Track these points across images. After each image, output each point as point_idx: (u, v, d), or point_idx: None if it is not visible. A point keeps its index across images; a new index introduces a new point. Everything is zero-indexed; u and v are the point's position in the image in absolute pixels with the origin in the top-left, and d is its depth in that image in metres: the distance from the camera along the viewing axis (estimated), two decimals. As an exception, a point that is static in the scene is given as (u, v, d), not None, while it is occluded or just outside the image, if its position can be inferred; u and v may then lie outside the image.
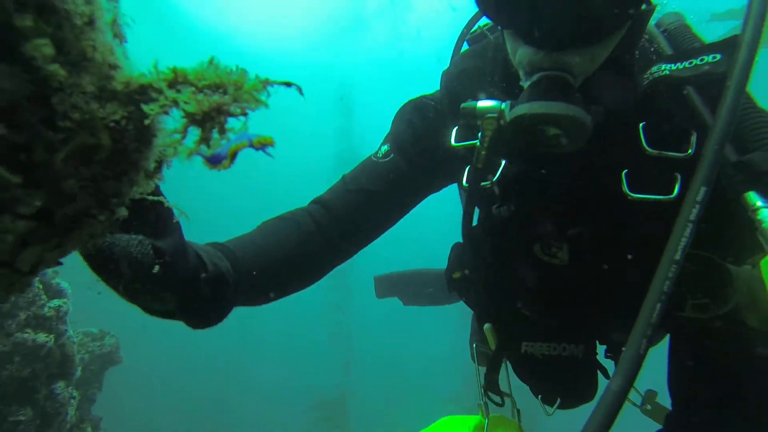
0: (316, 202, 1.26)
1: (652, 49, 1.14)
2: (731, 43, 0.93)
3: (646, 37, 1.16)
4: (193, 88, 0.47)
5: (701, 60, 0.98)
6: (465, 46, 1.44)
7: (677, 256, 0.72)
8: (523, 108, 0.94)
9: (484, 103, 1.05)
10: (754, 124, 0.95)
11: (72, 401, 3.50)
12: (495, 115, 1.03)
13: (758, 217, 0.85)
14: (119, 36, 0.53)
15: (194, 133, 0.47)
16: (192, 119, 0.45)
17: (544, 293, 1.24)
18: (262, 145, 0.46)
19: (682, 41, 1.10)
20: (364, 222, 1.26)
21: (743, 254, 1.00)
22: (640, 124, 1.02)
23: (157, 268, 0.71)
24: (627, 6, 0.94)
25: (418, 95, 1.38)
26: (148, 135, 0.49)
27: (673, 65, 1.01)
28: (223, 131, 0.46)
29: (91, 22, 0.46)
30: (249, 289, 1.03)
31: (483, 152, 1.12)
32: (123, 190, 0.51)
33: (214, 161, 0.46)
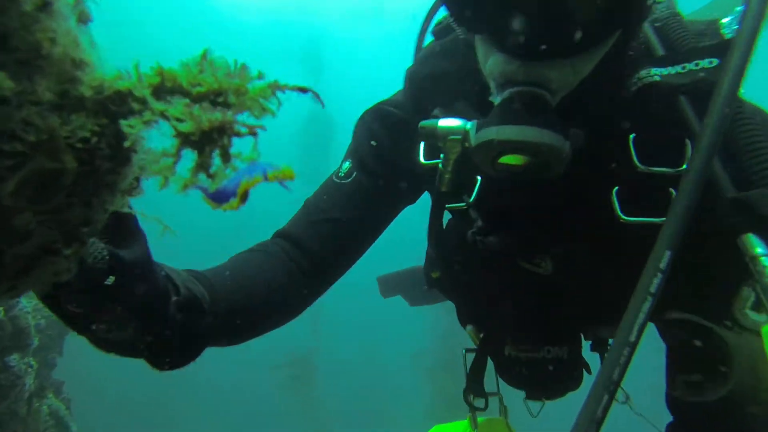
0: (282, 236, 1.12)
1: (642, 47, 1.00)
2: (729, 46, 0.83)
3: None
4: (186, 98, 0.37)
5: (696, 65, 0.87)
6: (430, 38, 1.25)
7: (662, 265, 0.66)
8: (491, 132, 0.81)
9: (446, 122, 0.91)
10: (753, 146, 0.83)
11: (30, 370, 3.36)
12: (459, 137, 0.89)
13: (758, 268, 0.75)
14: (84, 17, 0.42)
15: (189, 155, 0.37)
16: (186, 140, 0.35)
17: (525, 299, 1.16)
18: (279, 179, 0.37)
19: (675, 38, 0.96)
20: (338, 253, 1.13)
21: (736, 312, 0.89)
22: (630, 137, 0.90)
23: (111, 279, 0.58)
24: (623, 8, 0.80)
25: (378, 102, 1.21)
26: (126, 152, 0.39)
27: (664, 69, 0.89)
28: (227, 157, 0.36)
29: (45, 4, 0.34)
30: (226, 321, 0.89)
31: (447, 176, 1.00)
32: (94, 217, 0.41)
33: (218, 199, 0.37)
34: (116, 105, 0.36)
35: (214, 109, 0.36)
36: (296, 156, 14.87)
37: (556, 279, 1.10)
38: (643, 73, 0.90)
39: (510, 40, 0.79)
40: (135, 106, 0.36)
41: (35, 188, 0.35)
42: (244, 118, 0.40)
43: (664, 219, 0.80)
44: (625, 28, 0.83)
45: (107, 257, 0.55)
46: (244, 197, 0.36)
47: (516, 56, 0.80)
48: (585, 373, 1.23)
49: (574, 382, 1.20)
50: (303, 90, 0.40)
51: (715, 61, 0.85)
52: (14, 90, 0.31)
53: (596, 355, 1.30)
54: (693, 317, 0.90)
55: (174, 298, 0.73)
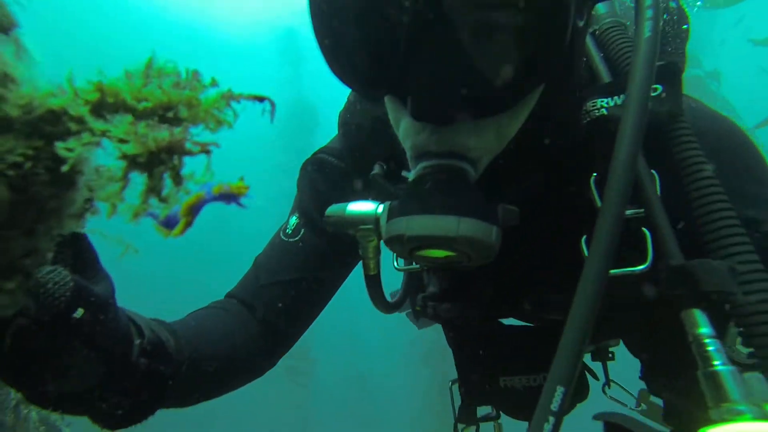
0: (235, 298, 1.07)
1: (587, 73, 0.89)
2: (672, 71, 0.77)
3: None
4: (130, 115, 0.33)
5: None
6: None
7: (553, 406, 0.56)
8: (400, 225, 0.69)
9: (355, 208, 0.80)
10: (705, 201, 0.74)
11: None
12: (370, 226, 0.79)
13: (701, 351, 0.66)
14: (6, 23, 0.38)
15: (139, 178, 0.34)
16: (133, 163, 0.32)
17: (506, 338, 1.10)
18: (233, 197, 0.34)
19: (615, 57, 0.86)
20: (291, 318, 1.08)
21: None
22: (591, 178, 0.81)
23: (80, 312, 0.53)
24: (542, 57, 0.68)
25: (318, 150, 1.14)
26: (69, 175, 0.36)
27: (610, 99, 0.80)
28: (178, 179, 0.33)
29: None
30: (189, 371, 0.83)
31: (371, 263, 0.92)
32: (38, 246, 0.38)
33: (170, 225, 0.34)
34: (50, 125, 0.33)
35: (162, 126, 0.33)
36: (279, 146, 14.73)
37: (538, 315, 1.04)
38: (590, 104, 0.81)
39: (414, 103, 0.67)
40: (72, 125, 0.32)
41: (-36, 222, 0.32)
42: (199, 131, 0.37)
43: (642, 267, 0.75)
44: (549, 79, 0.71)
45: (71, 285, 0.51)
46: (191, 216, 0.33)
47: (424, 120, 0.68)
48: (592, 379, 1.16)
49: (579, 396, 1.10)
50: (259, 99, 0.36)
51: (659, 88, 0.77)
52: None
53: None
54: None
55: (137, 341, 0.68)
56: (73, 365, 0.57)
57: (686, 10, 0.95)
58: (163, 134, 0.32)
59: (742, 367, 0.69)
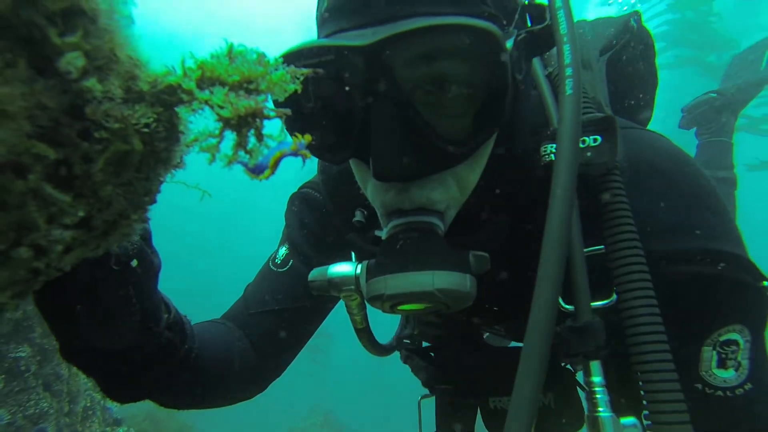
0: (228, 319, 1.12)
1: (539, 116, 0.90)
2: (610, 122, 0.81)
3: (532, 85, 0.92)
4: (225, 88, 0.46)
5: (582, 142, 0.81)
6: None
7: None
8: (379, 286, 0.73)
9: (337, 270, 0.83)
10: (614, 232, 0.78)
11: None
12: (352, 287, 0.82)
13: (593, 397, 0.73)
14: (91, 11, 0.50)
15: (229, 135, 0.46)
16: (227, 124, 0.45)
17: (488, 362, 1.14)
18: (297, 150, 0.46)
19: None
20: (280, 346, 1.14)
21: None
22: None
23: (135, 262, 0.61)
24: (488, 114, 0.72)
25: (303, 185, 1.19)
26: (176, 133, 0.49)
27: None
28: (260, 136, 0.45)
29: (111, 18, 0.43)
30: (195, 365, 0.88)
31: (357, 317, 0.98)
32: (153, 188, 0.51)
33: (257, 171, 0.46)
34: (168, 96, 0.46)
35: (248, 96, 0.46)
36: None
37: (513, 337, 1.11)
38: (542, 148, 0.83)
39: (376, 166, 0.70)
40: (184, 96, 0.45)
41: (114, 165, 0.45)
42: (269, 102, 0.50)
43: (609, 301, 0.79)
44: (496, 128, 0.75)
45: (137, 242, 0.63)
46: (275, 167, 0.46)
47: (386, 180, 0.72)
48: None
49: (571, 426, 1.10)
50: (316, 73, 0.49)
51: (599, 139, 0.81)
52: (101, 91, 0.40)
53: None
54: None
55: (165, 315, 0.76)
56: (120, 316, 0.64)
57: (647, 27, 0.97)
58: (249, 102, 0.44)
59: (716, 389, 0.78)
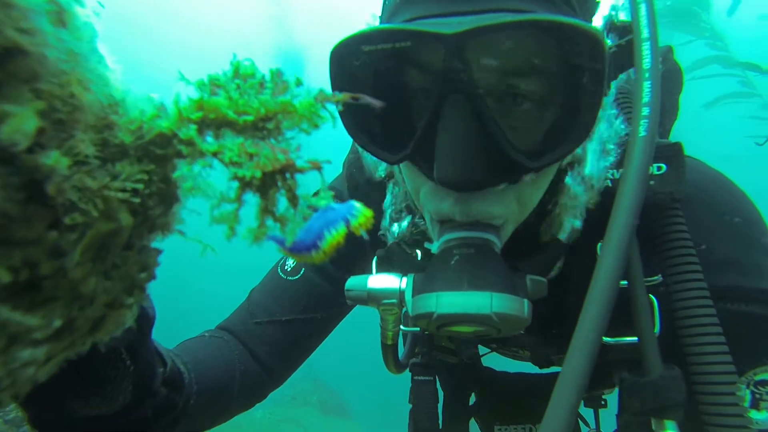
0: (229, 332, 1.04)
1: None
2: (677, 150, 0.76)
3: None
4: (232, 129, 0.34)
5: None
6: None
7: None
8: (430, 302, 0.66)
9: (376, 283, 0.77)
10: (688, 315, 0.74)
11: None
12: (394, 300, 0.76)
13: None
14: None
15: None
16: (247, 185, 0.33)
17: (506, 384, 1.11)
18: (362, 228, 0.34)
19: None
20: (285, 357, 1.06)
21: None
22: (598, 246, 0.79)
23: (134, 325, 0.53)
24: (574, 127, 0.66)
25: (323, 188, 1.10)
26: (174, 189, 0.37)
27: (615, 171, 0.79)
28: (295, 200, 0.34)
29: (66, 52, 0.30)
30: (194, 406, 0.81)
31: (390, 333, 0.94)
32: (150, 261, 0.39)
33: (299, 249, 0.34)
34: (160, 148, 0.34)
35: (267, 141, 0.34)
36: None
37: (536, 362, 1.07)
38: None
39: (442, 170, 0.63)
40: (182, 149, 0.33)
41: (95, 250, 0.33)
42: (294, 135, 0.38)
43: (630, 339, 0.76)
44: (576, 148, 0.68)
45: None
46: (331, 250, 0.34)
47: (448, 187, 0.65)
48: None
49: None
50: (354, 98, 0.37)
51: (664, 168, 0.77)
52: (67, 165, 0.28)
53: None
54: None
55: (160, 369, 0.67)
56: (110, 380, 0.55)
57: (678, 62, 0.91)
58: (275, 154, 0.32)
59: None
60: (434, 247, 0.71)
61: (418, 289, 0.70)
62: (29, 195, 0.28)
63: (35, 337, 0.31)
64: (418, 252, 0.89)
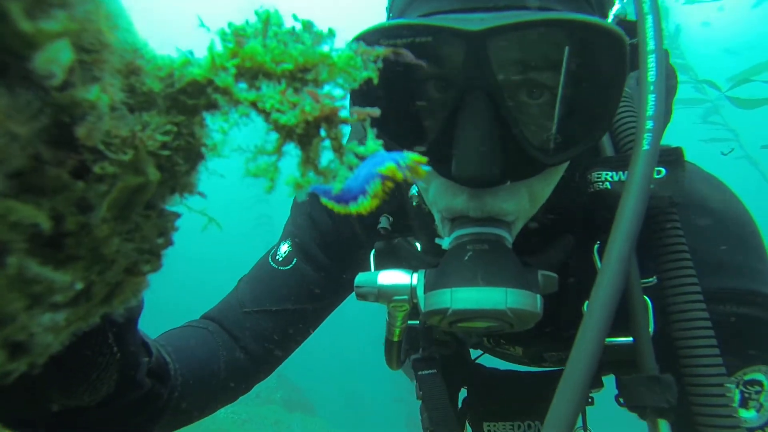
0: (215, 321, 1.02)
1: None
2: (677, 155, 0.77)
3: None
4: (273, 81, 0.31)
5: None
6: None
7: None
8: (444, 298, 0.66)
9: (387, 279, 0.76)
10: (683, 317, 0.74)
11: None
12: (405, 297, 0.75)
13: None
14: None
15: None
16: (289, 134, 0.30)
17: (496, 381, 1.11)
18: (413, 170, 0.31)
19: (620, 130, 0.84)
20: (274, 347, 1.04)
21: None
22: (595, 247, 0.80)
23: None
24: (591, 121, 0.67)
25: None
26: (199, 146, 0.34)
27: (614, 173, 0.78)
28: (341, 150, 0.31)
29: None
30: (179, 399, 0.79)
31: (397, 330, 0.93)
32: (168, 226, 0.36)
33: (345, 199, 0.32)
34: (192, 97, 0.31)
35: (311, 90, 0.31)
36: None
37: (527, 359, 1.08)
38: (594, 176, 0.79)
39: (459, 166, 0.63)
40: (218, 97, 0.30)
41: (119, 208, 0.30)
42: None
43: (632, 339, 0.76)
44: (593, 144, 0.69)
45: None
46: (379, 194, 0.32)
47: (462, 184, 0.66)
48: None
49: None
50: (396, 54, 0.35)
51: (663, 171, 0.77)
52: (107, 102, 0.25)
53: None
54: None
55: (145, 359, 0.64)
56: (95, 367, 0.52)
57: (673, 66, 0.92)
58: (324, 102, 0.30)
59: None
60: (445, 243, 0.71)
61: (431, 285, 0.69)
62: (54, 140, 0.25)
63: (56, 300, 0.28)
64: (418, 244, 0.88)
